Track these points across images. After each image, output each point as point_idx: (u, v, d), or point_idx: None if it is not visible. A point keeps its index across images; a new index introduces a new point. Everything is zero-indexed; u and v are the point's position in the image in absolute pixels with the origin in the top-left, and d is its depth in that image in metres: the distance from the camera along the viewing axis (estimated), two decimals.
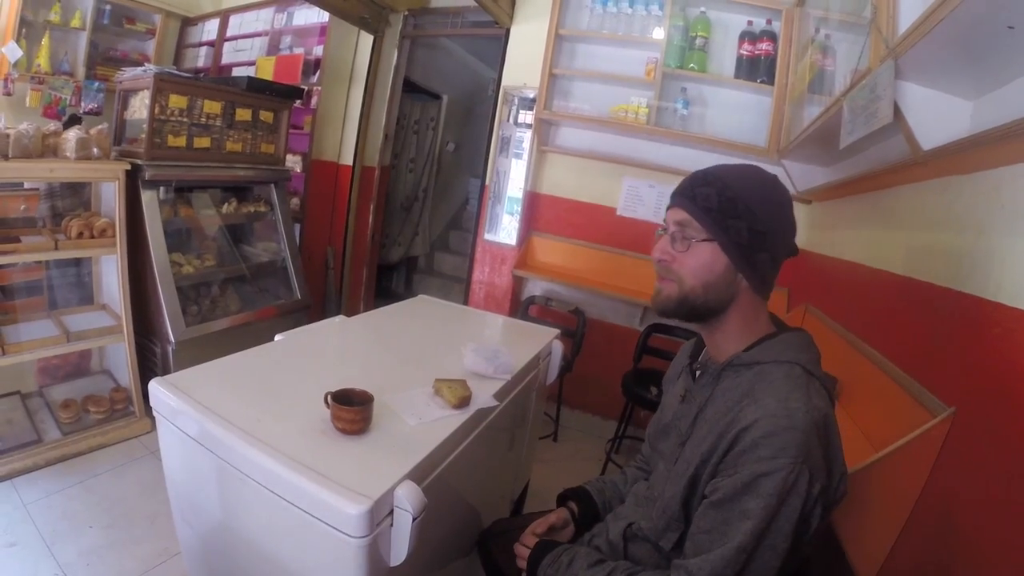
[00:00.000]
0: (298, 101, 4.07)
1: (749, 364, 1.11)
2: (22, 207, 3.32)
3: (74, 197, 3.26)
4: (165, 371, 3.02)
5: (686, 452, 1.15)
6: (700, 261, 1.11)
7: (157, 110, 3.06)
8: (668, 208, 1.19)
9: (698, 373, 1.26)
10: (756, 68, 3.32)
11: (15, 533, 2.23)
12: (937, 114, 1.46)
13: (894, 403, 1.61)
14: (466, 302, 4.26)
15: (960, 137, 1.39)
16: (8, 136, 2.49)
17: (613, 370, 3.47)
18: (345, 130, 4.85)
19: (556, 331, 2.34)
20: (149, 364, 3.18)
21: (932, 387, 1.46)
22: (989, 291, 1.29)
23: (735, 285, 1.12)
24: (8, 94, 4.43)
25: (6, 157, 2.48)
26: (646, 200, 3.82)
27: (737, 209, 1.08)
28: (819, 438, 0.97)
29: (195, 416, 1.37)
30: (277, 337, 1.92)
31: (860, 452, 1.62)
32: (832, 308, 2.48)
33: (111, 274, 3.04)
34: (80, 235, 2.77)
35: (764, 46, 3.28)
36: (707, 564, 1.00)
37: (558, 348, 2.26)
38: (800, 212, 3.23)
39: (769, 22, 3.27)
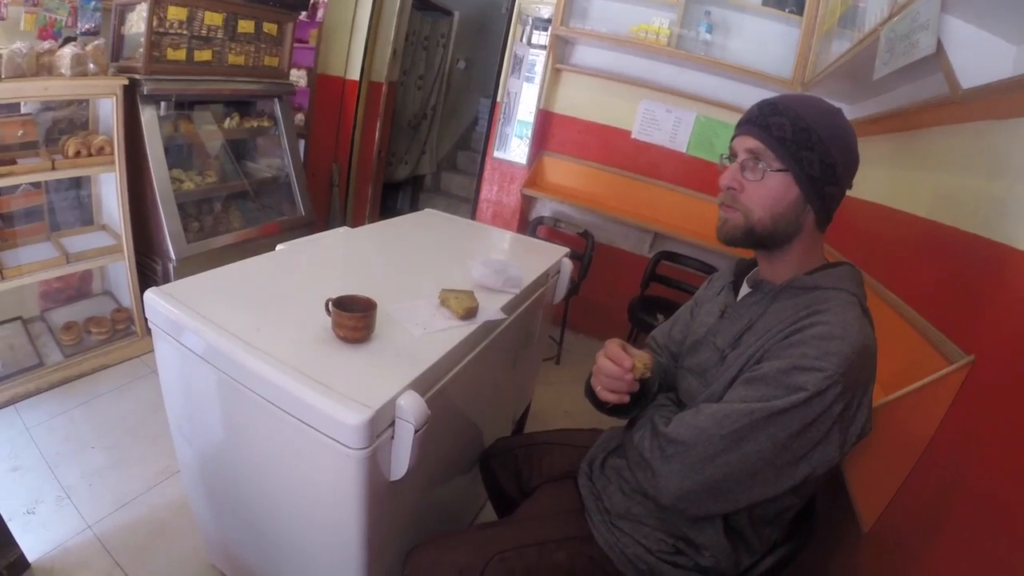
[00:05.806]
0: (303, 13, 3.89)
1: (809, 288, 1.11)
2: (20, 132, 3.23)
3: (72, 118, 3.16)
4: None
5: (729, 360, 1.14)
6: (771, 191, 1.09)
7: (155, 22, 2.92)
8: (735, 137, 1.16)
9: (747, 291, 1.24)
10: None
11: (19, 457, 2.23)
12: (979, 54, 1.36)
13: (911, 349, 1.55)
14: (473, 220, 4.16)
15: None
16: (0, 56, 2.39)
17: (619, 296, 3.44)
18: (352, 44, 4.64)
19: (566, 249, 2.26)
20: (151, 283, 3.11)
21: (952, 335, 1.39)
22: (1018, 240, 1.22)
23: (802, 217, 1.11)
24: (1, 19, 4.27)
25: None
26: (662, 124, 3.68)
27: (811, 140, 1.06)
28: (861, 362, 0.98)
29: (192, 326, 1.32)
30: (279, 247, 1.85)
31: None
32: (850, 249, 2.38)
33: (110, 193, 2.97)
34: (78, 154, 2.68)
35: None
36: (718, 411, 1.03)
37: (567, 267, 2.19)
38: None
39: None
